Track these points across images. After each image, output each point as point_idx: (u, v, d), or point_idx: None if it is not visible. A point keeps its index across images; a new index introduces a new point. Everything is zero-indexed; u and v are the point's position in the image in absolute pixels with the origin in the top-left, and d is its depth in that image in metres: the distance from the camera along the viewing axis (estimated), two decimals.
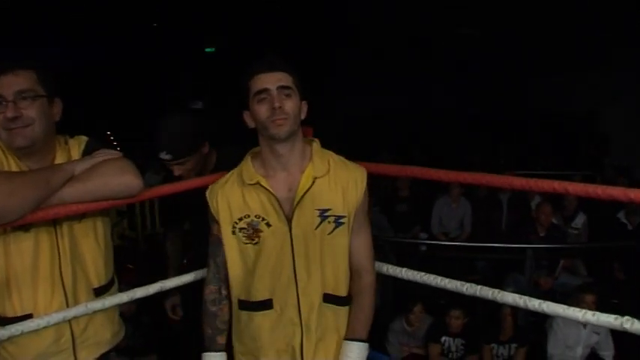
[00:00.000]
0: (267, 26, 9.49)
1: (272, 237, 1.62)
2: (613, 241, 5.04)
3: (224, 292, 1.73)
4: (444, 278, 1.77)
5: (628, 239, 5.01)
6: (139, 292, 1.75)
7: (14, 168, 1.59)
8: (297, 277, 1.63)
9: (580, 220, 5.42)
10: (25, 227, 1.57)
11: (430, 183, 6.89)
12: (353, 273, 1.71)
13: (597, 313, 1.39)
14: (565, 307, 1.46)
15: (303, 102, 1.65)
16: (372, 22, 8.99)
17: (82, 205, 1.54)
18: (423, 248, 5.49)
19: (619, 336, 4.00)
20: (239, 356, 1.77)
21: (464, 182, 1.82)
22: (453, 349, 4.05)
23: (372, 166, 1.81)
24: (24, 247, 1.59)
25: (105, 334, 1.80)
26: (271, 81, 1.56)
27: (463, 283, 1.72)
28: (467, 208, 5.92)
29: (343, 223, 1.64)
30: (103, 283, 1.77)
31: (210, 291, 1.74)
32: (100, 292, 1.76)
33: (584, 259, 5.19)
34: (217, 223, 1.68)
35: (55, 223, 1.63)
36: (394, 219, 5.94)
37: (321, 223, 1.62)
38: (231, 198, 1.65)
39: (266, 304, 1.66)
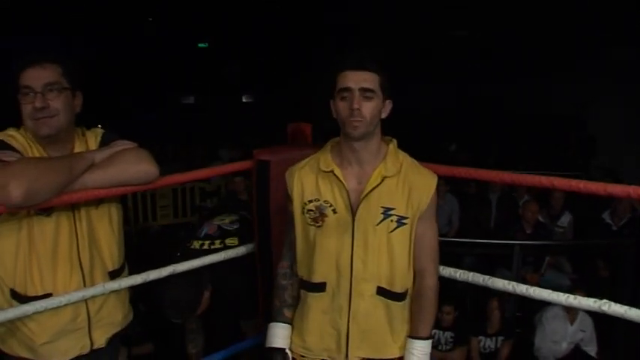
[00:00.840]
0: (262, 23, 9.53)
1: (335, 223, 1.70)
2: (598, 239, 5.12)
3: (295, 268, 1.82)
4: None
5: (612, 239, 5.10)
6: (152, 275, 1.84)
7: (38, 155, 1.68)
8: (353, 267, 1.70)
9: (566, 219, 5.49)
10: (48, 211, 1.65)
11: None
12: (416, 274, 1.77)
13: (579, 297, 1.51)
14: (550, 291, 1.57)
15: (387, 101, 1.72)
16: (368, 22, 9.05)
17: (102, 190, 1.64)
18: None
19: (604, 334, 4.17)
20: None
21: (458, 176, 1.92)
22: (443, 341, 4.13)
23: (442, 168, 1.90)
24: (46, 229, 1.67)
25: (117, 316, 1.90)
26: (355, 80, 1.63)
27: (456, 269, 1.83)
28: (454, 204, 5.97)
29: (405, 223, 1.70)
30: (117, 267, 1.87)
31: (282, 266, 1.84)
32: (114, 275, 1.86)
33: (570, 257, 5.28)
34: (291, 201, 1.78)
35: (73, 208, 1.72)
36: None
37: (383, 220, 1.69)
38: (305, 180, 1.75)
39: (320, 287, 1.74)
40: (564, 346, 4.14)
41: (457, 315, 4.15)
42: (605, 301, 1.47)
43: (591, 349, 4.14)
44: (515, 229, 4.97)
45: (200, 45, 12.09)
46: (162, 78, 12.86)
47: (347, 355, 1.74)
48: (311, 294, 1.76)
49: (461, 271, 1.82)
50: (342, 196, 1.70)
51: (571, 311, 4.09)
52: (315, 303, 1.76)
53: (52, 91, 1.65)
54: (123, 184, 1.70)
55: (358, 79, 1.63)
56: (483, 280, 1.74)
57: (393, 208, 1.69)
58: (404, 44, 9.59)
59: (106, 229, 1.82)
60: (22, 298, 1.69)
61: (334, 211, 1.70)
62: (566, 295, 1.53)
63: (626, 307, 1.45)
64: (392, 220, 1.69)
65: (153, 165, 1.74)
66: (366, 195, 1.69)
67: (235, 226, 2.52)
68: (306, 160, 1.81)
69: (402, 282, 1.74)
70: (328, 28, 9.76)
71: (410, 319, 1.78)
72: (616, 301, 1.48)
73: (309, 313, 1.76)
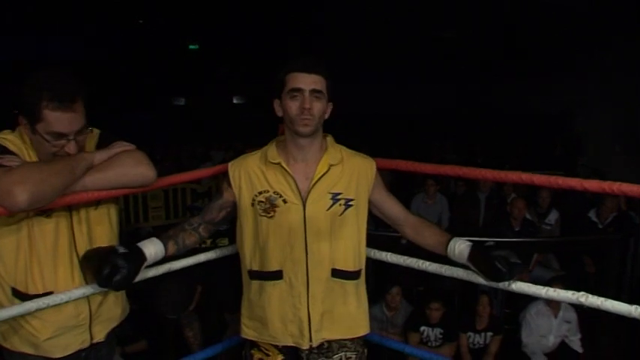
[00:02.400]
0: (252, 25, 9.57)
1: (287, 213, 1.79)
2: (584, 236, 5.21)
3: (202, 229, 1.91)
4: (425, 261, 1.95)
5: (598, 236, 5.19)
6: (150, 272, 1.88)
7: (34, 157, 1.71)
8: (308, 252, 1.79)
9: (553, 217, 5.57)
10: (47, 212, 1.69)
11: (410, 180, 7.09)
12: (403, 224, 1.97)
13: (558, 290, 1.58)
14: (530, 285, 1.65)
15: (330, 103, 1.84)
16: (356, 24, 9.11)
17: (102, 192, 1.68)
18: (404, 242, 5.63)
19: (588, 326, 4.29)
20: (246, 322, 1.92)
21: (443, 174, 2.00)
22: (432, 337, 4.18)
23: (382, 161, 2.02)
24: (46, 230, 1.71)
25: (116, 311, 1.95)
26: (306, 82, 1.75)
27: (442, 265, 1.90)
28: (444, 204, 6.06)
29: (352, 205, 1.83)
30: None
31: (193, 220, 1.93)
32: None
33: (557, 254, 5.37)
34: (229, 188, 1.87)
35: (72, 209, 1.76)
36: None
37: (332, 205, 1.81)
38: (252, 173, 1.83)
39: (277, 275, 1.82)
40: (551, 340, 4.22)
41: (445, 311, 4.20)
42: (582, 293, 1.54)
43: (576, 339, 4.24)
44: (504, 227, 5.06)
45: (191, 47, 12.11)
46: (153, 79, 12.88)
47: (310, 339, 1.83)
48: (268, 282, 1.84)
49: (446, 266, 1.90)
50: (291, 187, 1.80)
51: (553, 305, 4.18)
52: (274, 291, 1.84)
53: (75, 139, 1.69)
54: (121, 187, 1.74)
55: (309, 81, 1.75)
56: (467, 275, 1.81)
57: (340, 193, 1.82)
58: (398, 46, 9.67)
59: (105, 230, 1.86)
60: (23, 297, 1.73)
61: (284, 201, 1.80)
62: (546, 288, 1.60)
63: (602, 299, 1.52)
64: (340, 204, 1.82)
65: (151, 168, 1.78)
66: (315, 182, 1.80)
67: (225, 227, 2.57)
68: (251, 154, 1.90)
69: (355, 261, 1.87)
70: (316, 28, 9.81)
71: (433, 241, 1.91)
72: (603, 296, 1.55)
73: (270, 301, 1.84)
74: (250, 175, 1.84)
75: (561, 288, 1.61)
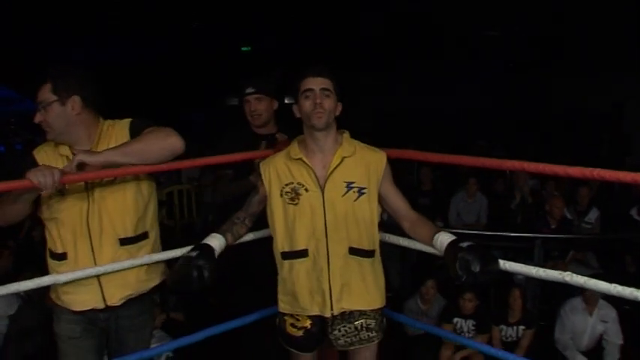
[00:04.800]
0: (301, 26, 9.78)
1: (309, 199, 2.10)
2: (619, 233, 5.22)
3: (247, 220, 2.24)
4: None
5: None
6: (161, 256, 2.24)
7: (67, 151, 2.12)
8: (328, 233, 2.09)
9: (593, 216, 5.59)
10: (62, 191, 2.08)
11: (451, 178, 7.18)
12: (403, 217, 2.20)
13: (547, 270, 1.74)
14: (522, 265, 1.81)
15: (339, 103, 2.14)
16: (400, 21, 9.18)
17: (145, 167, 2.06)
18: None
19: (629, 327, 4.24)
20: (282, 297, 2.22)
21: (448, 163, 2.19)
22: (465, 329, 4.26)
23: (391, 151, 2.28)
24: (62, 201, 2.10)
25: (129, 278, 2.21)
26: (316, 83, 2.08)
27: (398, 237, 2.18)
28: (483, 202, 6.15)
29: (365, 193, 2.12)
30: (130, 235, 2.19)
31: (238, 215, 2.25)
32: (125, 242, 2.18)
33: (597, 253, 5.37)
34: (263, 185, 2.18)
35: (87, 185, 2.11)
36: (416, 211, 6.20)
37: (347, 192, 2.10)
38: (279, 169, 2.15)
39: (303, 253, 2.12)
40: (586, 339, 4.22)
41: (479, 304, 4.28)
42: (568, 273, 1.70)
43: (616, 341, 4.19)
44: (540, 225, 5.12)
45: (243, 49, 12.42)
46: (207, 80, 13.32)
47: (332, 307, 2.11)
48: (297, 260, 2.13)
49: (403, 238, 2.27)
50: (311, 177, 2.10)
51: (590, 303, 4.17)
52: (301, 267, 2.13)
53: (43, 109, 2.06)
54: (156, 157, 2.08)
55: (318, 82, 2.08)
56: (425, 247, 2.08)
57: (353, 182, 2.11)
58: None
59: (117, 204, 2.15)
60: (52, 255, 2.15)
61: (306, 190, 2.11)
62: (536, 268, 1.77)
63: (585, 278, 1.68)
64: (354, 191, 2.11)
65: (180, 139, 2.12)
66: (331, 173, 2.09)
67: None
68: (278, 153, 2.22)
69: (369, 241, 2.14)
70: (363, 30, 9.94)
71: (424, 235, 2.12)
72: None
73: (299, 276, 2.13)
74: (278, 170, 2.16)
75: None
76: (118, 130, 2.18)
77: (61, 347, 2.23)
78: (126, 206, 2.17)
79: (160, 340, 3.66)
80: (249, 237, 2.35)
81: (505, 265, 1.84)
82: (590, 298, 4.15)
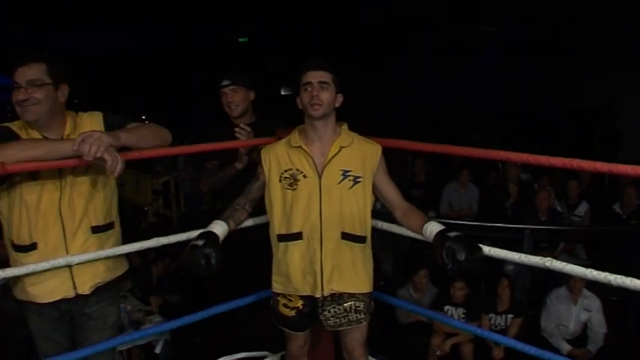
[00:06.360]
0: (298, 16, 9.82)
1: (306, 185, 2.22)
2: (605, 226, 5.34)
3: (247, 206, 2.34)
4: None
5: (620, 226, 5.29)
6: (136, 246, 2.30)
7: (37, 136, 2.09)
8: (322, 217, 2.20)
9: (583, 209, 5.74)
10: (34, 175, 2.05)
11: (444, 169, 7.27)
12: (395, 207, 2.29)
13: (529, 255, 1.85)
14: (507, 251, 1.92)
15: (339, 95, 2.25)
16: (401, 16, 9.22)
17: (147, 151, 2.15)
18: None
19: (613, 316, 4.36)
20: (276, 278, 2.33)
21: (438, 152, 2.29)
22: (455, 317, 4.37)
23: (385, 141, 2.38)
24: (33, 188, 2.07)
25: (99, 267, 2.23)
26: (314, 76, 2.19)
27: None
28: (474, 193, 6.25)
29: (360, 181, 2.23)
30: (100, 223, 2.22)
31: (239, 200, 2.35)
32: (97, 230, 2.21)
33: (586, 245, 5.50)
34: (263, 172, 2.29)
35: (60, 172, 2.10)
36: (410, 202, 6.27)
37: (343, 180, 2.21)
38: (280, 156, 2.26)
39: (298, 236, 2.23)
40: (572, 327, 4.34)
41: (469, 292, 4.42)
42: (548, 258, 1.81)
43: (599, 330, 4.32)
44: (530, 217, 5.23)
45: (240, 40, 12.46)
46: (204, 71, 13.38)
47: (322, 288, 2.22)
48: (291, 243, 2.24)
49: (394, 225, 2.36)
50: (310, 164, 2.21)
51: (574, 292, 4.30)
52: (295, 249, 2.24)
53: (34, 86, 2.01)
54: (160, 144, 2.21)
55: (317, 75, 2.19)
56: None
57: (349, 170, 2.22)
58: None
59: (88, 188, 2.16)
60: (17, 248, 2.11)
61: (304, 176, 2.22)
62: (519, 254, 1.88)
63: (564, 264, 1.79)
64: (349, 180, 2.22)
65: (168, 131, 2.28)
66: (329, 161, 2.20)
67: None
68: (279, 141, 2.34)
69: (361, 227, 2.24)
70: (364, 27, 9.99)
71: (415, 224, 2.20)
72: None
73: (293, 258, 2.24)
74: (278, 157, 2.27)
75: None
76: (91, 122, 2.20)
77: (35, 340, 2.27)
78: (97, 194, 2.20)
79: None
80: (249, 223, 2.45)
81: (490, 251, 1.94)
82: (574, 287, 4.28)
